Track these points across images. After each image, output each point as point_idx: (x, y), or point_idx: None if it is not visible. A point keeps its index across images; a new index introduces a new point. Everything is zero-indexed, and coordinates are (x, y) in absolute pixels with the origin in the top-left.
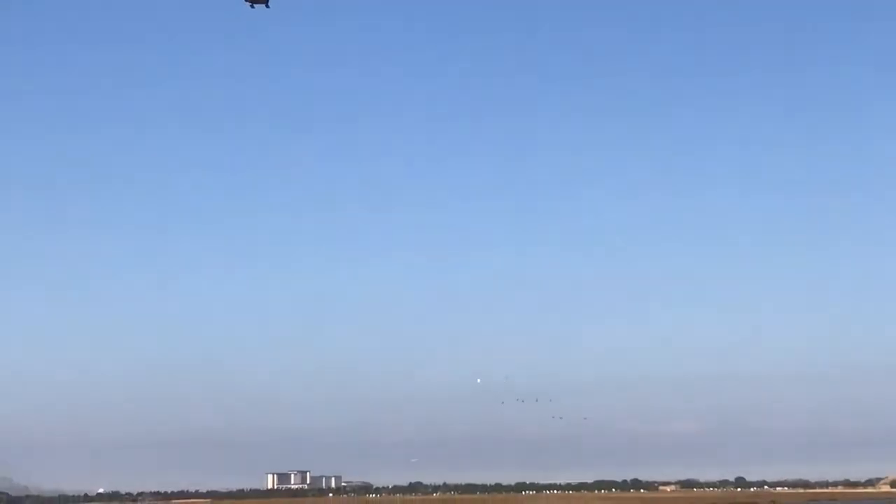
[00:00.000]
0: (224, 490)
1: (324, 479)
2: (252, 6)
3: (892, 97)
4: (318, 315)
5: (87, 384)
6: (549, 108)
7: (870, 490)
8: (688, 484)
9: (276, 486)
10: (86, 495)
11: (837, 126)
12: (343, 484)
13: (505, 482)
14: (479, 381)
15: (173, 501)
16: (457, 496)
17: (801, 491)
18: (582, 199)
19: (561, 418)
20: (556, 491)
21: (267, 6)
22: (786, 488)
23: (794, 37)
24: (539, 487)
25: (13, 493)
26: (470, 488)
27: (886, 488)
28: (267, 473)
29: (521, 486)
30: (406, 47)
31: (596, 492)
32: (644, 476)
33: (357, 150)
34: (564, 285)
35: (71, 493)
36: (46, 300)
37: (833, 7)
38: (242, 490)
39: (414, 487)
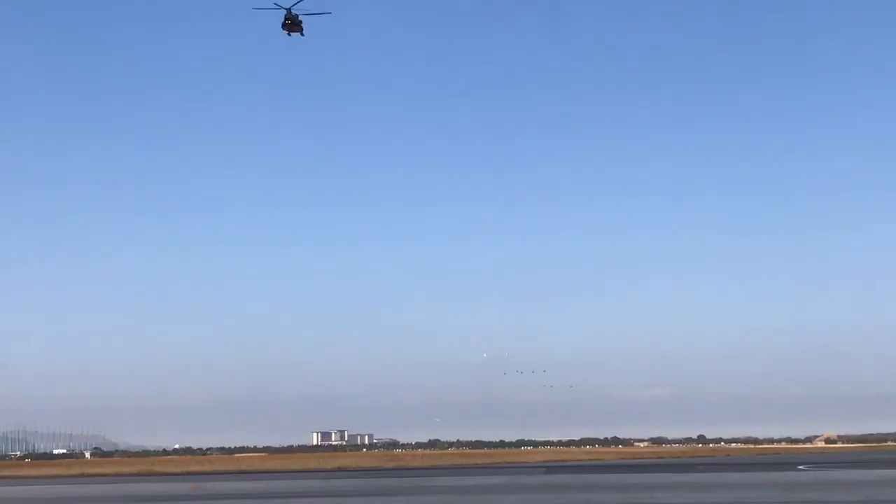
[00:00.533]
0: (276, 445)
1: (358, 437)
2: (289, 34)
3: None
4: (355, 299)
5: (165, 354)
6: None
7: (808, 446)
8: (657, 440)
9: (319, 443)
10: (164, 450)
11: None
12: (374, 441)
13: (507, 439)
14: (485, 355)
15: (236, 455)
16: (468, 451)
17: (752, 446)
18: (562, 198)
19: (552, 386)
20: (549, 447)
21: (302, 34)
22: (738, 444)
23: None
24: (535, 444)
25: (105, 448)
26: (479, 444)
27: (822, 444)
28: (312, 432)
29: (520, 443)
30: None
31: (582, 447)
32: (622, 434)
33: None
34: (556, 274)
35: (152, 449)
36: (131, 282)
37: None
38: (291, 446)
39: (433, 443)
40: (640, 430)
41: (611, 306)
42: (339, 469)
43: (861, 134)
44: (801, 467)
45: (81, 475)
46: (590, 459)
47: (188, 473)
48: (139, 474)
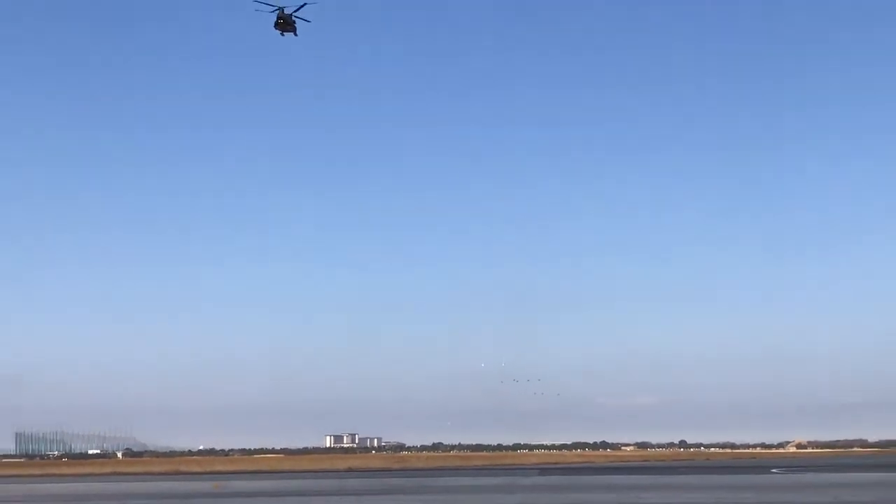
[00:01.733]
0: (293, 447)
1: (368, 440)
2: (282, 34)
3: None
4: (364, 312)
5: (190, 361)
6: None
7: (781, 451)
8: (643, 445)
9: (332, 445)
10: (189, 451)
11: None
12: (383, 444)
13: (505, 443)
14: (483, 365)
15: (255, 455)
16: (469, 453)
17: (729, 451)
18: (555, 218)
19: (542, 394)
20: (543, 450)
21: (295, 34)
22: (717, 449)
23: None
24: (531, 447)
25: (135, 448)
26: (479, 447)
27: (793, 449)
28: (325, 435)
29: (517, 446)
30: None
31: (573, 451)
32: (610, 439)
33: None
34: (549, 290)
35: (178, 449)
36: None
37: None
38: (306, 448)
39: (437, 446)
40: (626, 436)
41: (600, 321)
42: (349, 469)
43: (821, 163)
44: (774, 470)
45: (114, 474)
46: (581, 462)
47: (211, 473)
48: (166, 473)
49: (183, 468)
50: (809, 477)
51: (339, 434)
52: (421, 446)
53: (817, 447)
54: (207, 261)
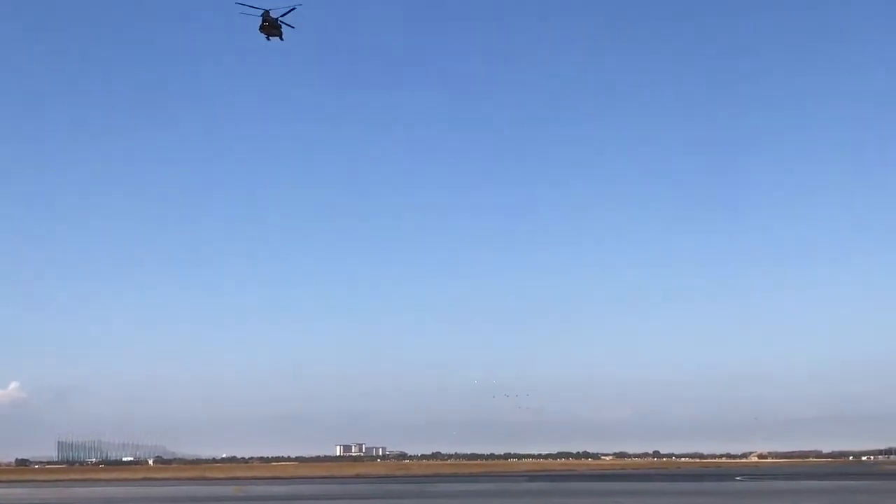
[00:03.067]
0: (306, 455)
1: (374, 449)
2: (268, 39)
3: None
4: (370, 332)
5: (214, 377)
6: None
7: (744, 460)
8: (620, 455)
9: (341, 454)
10: (213, 458)
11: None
12: (387, 452)
13: (496, 452)
14: (476, 381)
15: (272, 463)
16: (464, 461)
17: (698, 460)
18: (545, 242)
19: (528, 408)
20: (531, 459)
21: (281, 39)
22: (687, 458)
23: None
24: (520, 456)
25: (165, 456)
26: (473, 456)
27: (755, 459)
28: (335, 445)
29: (507, 455)
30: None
31: (558, 460)
32: (591, 449)
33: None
34: (532, 311)
35: (203, 457)
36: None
37: None
38: (318, 456)
39: (435, 455)
40: (605, 446)
41: (582, 341)
42: (357, 476)
43: (785, 191)
44: (738, 478)
45: (146, 479)
46: (565, 469)
47: (233, 478)
48: (193, 479)
49: (208, 474)
50: (770, 484)
51: (347, 444)
52: (421, 455)
53: (777, 457)
54: (230, 284)
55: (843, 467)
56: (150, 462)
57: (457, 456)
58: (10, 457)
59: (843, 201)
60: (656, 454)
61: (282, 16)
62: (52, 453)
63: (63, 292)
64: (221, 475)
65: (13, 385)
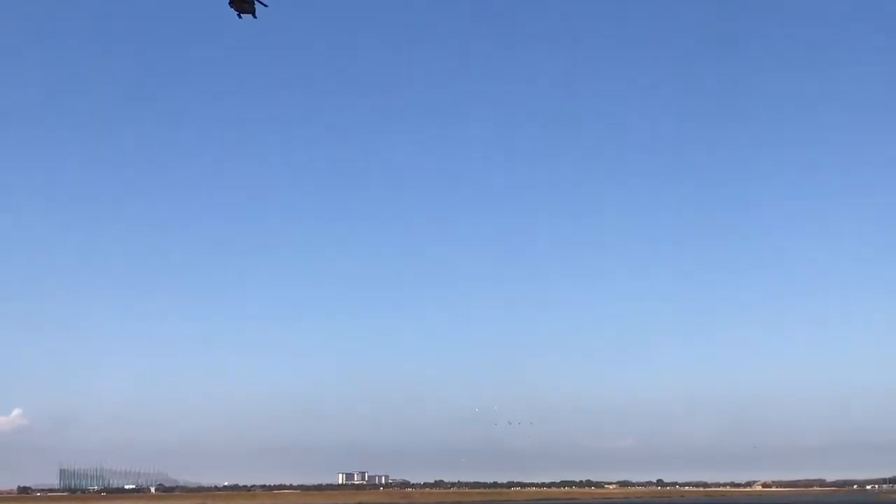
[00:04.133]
0: (309, 484)
1: (377, 478)
2: (240, 16)
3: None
4: (374, 364)
5: (216, 406)
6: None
7: (748, 489)
8: (624, 483)
9: (344, 482)
10: (215, 486)
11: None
12: (390, 481)
13: (500, 481)
14: (476, 409)
15: (275, 491)
16: (467, 490)
17: (702, 489)
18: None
19: (528, 437)
20: (534, 487)
21: (254, 16)
22: (690, 487)
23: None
24: (523, 485)
25: (167, 484)
26: (476, 485)
27: (759, 488)
28: (338, 473)
29: (510, 484)
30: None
31: (562, 488)
32: (594, 478)
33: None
34: (532, 345)
35: (206, 485)
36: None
37: None
38: (320, 485)
39: (438, 484)
40: (609, 475)
41: (585, 370)
42: None
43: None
44: None
45: None
46: (568, 498)
47: None
48: None
49: (210, 502)
50: None
51: (350, 472)
52: (424, 483)
53: (781, 486)
54: (233, 313)
55: (847, 496)
56: (153, 490)
57: (460, 484)
58: (12, 484)
59: (847, 234)
60: (660, 483)
61: None
62: (54, 481)
63: (65, 319)
64: (224, 503)
65: (16, 412)
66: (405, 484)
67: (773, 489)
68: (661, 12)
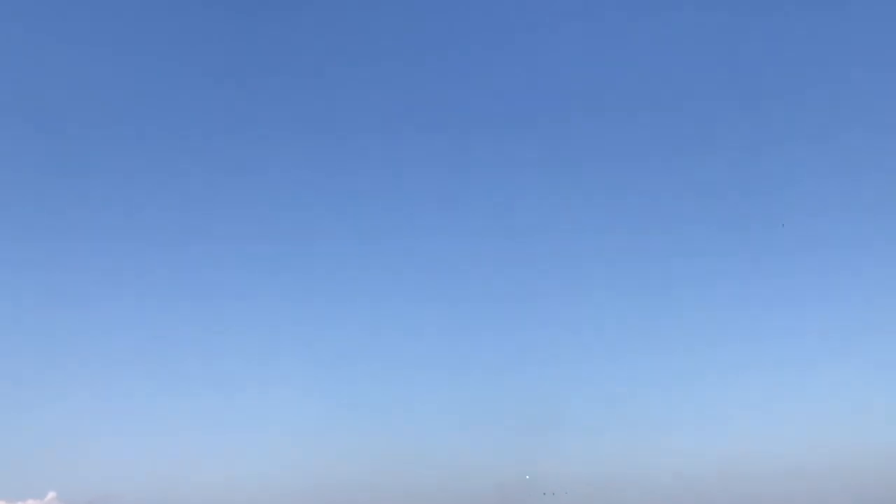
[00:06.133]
0: None
1: None
2: None
3: None
4: (397, 433)
5: (258, 483)
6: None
7: None
8: None
9: None
10: None
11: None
12: None
13: None
14: (527, 477)
15: None
16: None
17: None
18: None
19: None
20: None
21: None
22: None
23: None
24: None
25: None
26: None
27: None
28: None
29: None
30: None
31: None
32: None
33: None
34: (570, 407)
35: None
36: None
37: None
38: None
39: None
40: None
41: (623, 439)
42: None
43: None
44: None
45: None
46: None
47: None
48: None
49: None
50: None
51: None
52: None
53: None
54: (242, 383)
55: None
56: None
57: None
58: None
59: (860, 283)
60: None
61: None
62: None
63: (98, 399)
64: None
65: (50, 495)
66: None
67: None
68: None
